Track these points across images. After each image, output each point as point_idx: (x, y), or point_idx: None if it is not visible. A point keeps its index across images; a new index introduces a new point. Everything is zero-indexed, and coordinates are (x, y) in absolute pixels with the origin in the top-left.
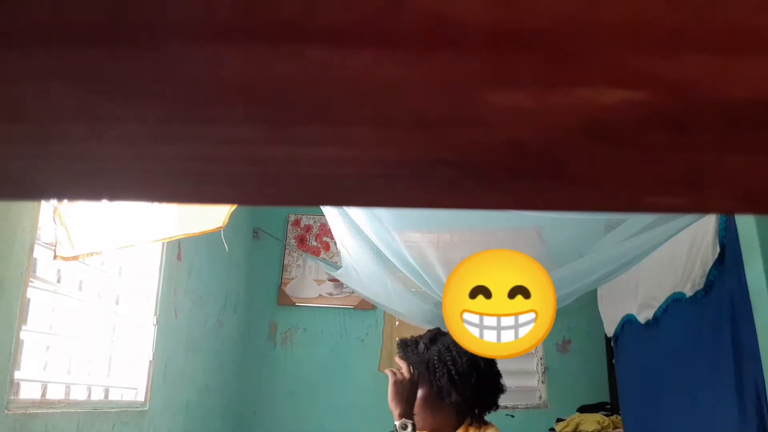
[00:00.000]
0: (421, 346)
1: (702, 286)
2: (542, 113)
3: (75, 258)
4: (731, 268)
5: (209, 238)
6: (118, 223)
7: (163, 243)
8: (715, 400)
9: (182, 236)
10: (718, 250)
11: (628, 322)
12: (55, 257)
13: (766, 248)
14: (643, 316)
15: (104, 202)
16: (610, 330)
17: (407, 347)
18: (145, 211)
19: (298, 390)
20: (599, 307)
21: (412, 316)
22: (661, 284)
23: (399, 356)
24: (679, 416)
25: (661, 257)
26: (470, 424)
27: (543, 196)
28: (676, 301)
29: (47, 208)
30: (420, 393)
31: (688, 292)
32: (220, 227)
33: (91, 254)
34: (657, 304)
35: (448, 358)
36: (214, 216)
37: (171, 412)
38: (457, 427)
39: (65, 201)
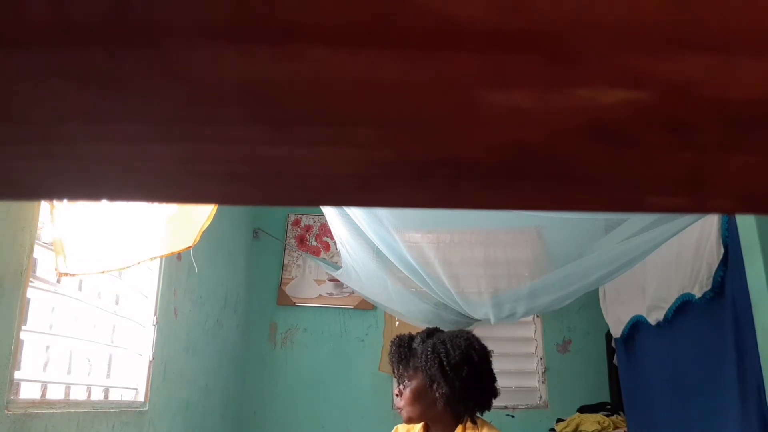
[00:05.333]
0: (418, 339)
1: (710, 287)
2: (542, 113)
3: (67, 275)
4: (734, 269)
5: (209, 238)
6: (98, 247)
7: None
8: (720, 402)
9: (151, 259)
10: (722, 250)
11: (638, 323)
12: (55, 270)
13: (767, 248)
14: (654, 317)
15: (87, 217)
16: (617, 331)
17: (402, 344)
18: (121, 234)
19: (298, 390)
20: (602, 308)
21: (412, 316)
22: (669, 285)
23: (390, 358)
24: (683, 417)
25: (667, 257)
26: (467, 425)
27: (543, 196)
28: (685, 302)
29: (47, 208)
30: (413, 384)
31: (697, 293)
32: (189, 247)
33: (76, 275)
34: (666, 306)
35: (441, 350)
36: (183, 235)
37: (171, 412)
38: (455, 427)
39: (58, 215)
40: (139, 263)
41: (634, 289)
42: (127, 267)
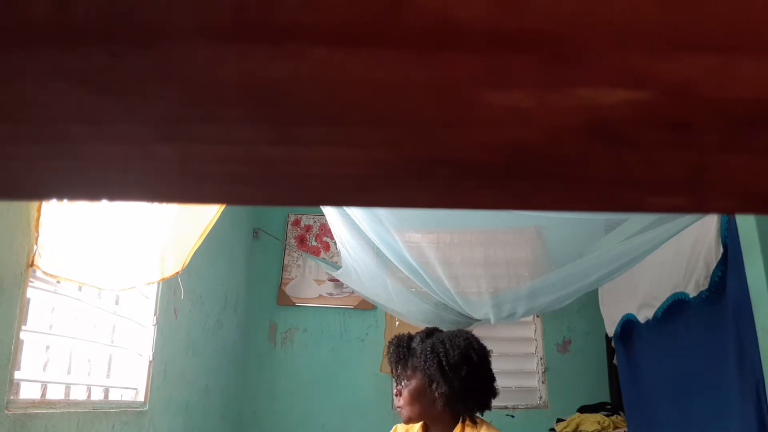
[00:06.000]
0: (417, 339)
1: (706, 286)
2: (542, 113)
3: (54, 277)
4: (734, 269)
5: (209, 238)
6: (92, 260)
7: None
8: (720, 401)
9: (147, 284)
10: (721, 250)
11: (628, 321)
12: (31, 265)
13: (767, 248)
14: (643, 315)
15: (100, 209)
16: (610, 330)
17: (401, 343)
18: (117, 255)
19: (298, 390)
20: (600, 307)
21: (412, 316)
22: (661, 284)
23: (389, 358)
24: (683, 417)
25: (662, 257)
26: (466, 424)
27: (543, 196)
28: (678, 301)
29: (47, 208)
30: (412, 384)
31: (692, 293)
32: (178, 272)
33: (66, 279)
34: (657, 304)
35: (440, 349)
36: (174, 260)
37: (171, 412)
38: (454, 427)
39: (46, 215)
40: (133, 287)
41: (628, 288)
42: (124, 289)
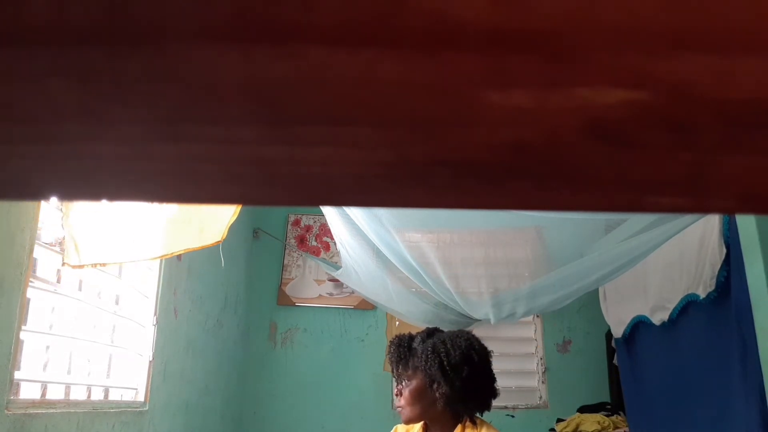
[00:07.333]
0: (417, 339)
1: (713, 287)
2: (542, 113)
3: (81, 266)
4: (736, 269)
5: None
6: (121, 237)
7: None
8: (723, 402)
9: (182, 251)
10: (724, 250)
11: (641, 323)
12: (63, 264)
13: (767, 248)
14: (658, 317)
15: (108, 207)
16: (618, 331)
17: (402, 343)
18: (145, 226)
19: (298, 390)
20: (602, 308)
21: (412, 316)
22: (672, 285)
23: (390, 358)
24: (686, 418)
25: (670, 257)
26: (466, 425)
27: (543, 196)
28: (690, 302)
29: (47, 208)
30: (412, 384)
31: (702, 294)
32: (218, 241)
33: (96, 265)
34: (671, 306)
35: (441, 350)
36: (213, 230)
37: (171, 412)
38: (454, 427)
39: (72, 207)
40: (172, 254)
41: (636, 289)
42: (154, 258)
